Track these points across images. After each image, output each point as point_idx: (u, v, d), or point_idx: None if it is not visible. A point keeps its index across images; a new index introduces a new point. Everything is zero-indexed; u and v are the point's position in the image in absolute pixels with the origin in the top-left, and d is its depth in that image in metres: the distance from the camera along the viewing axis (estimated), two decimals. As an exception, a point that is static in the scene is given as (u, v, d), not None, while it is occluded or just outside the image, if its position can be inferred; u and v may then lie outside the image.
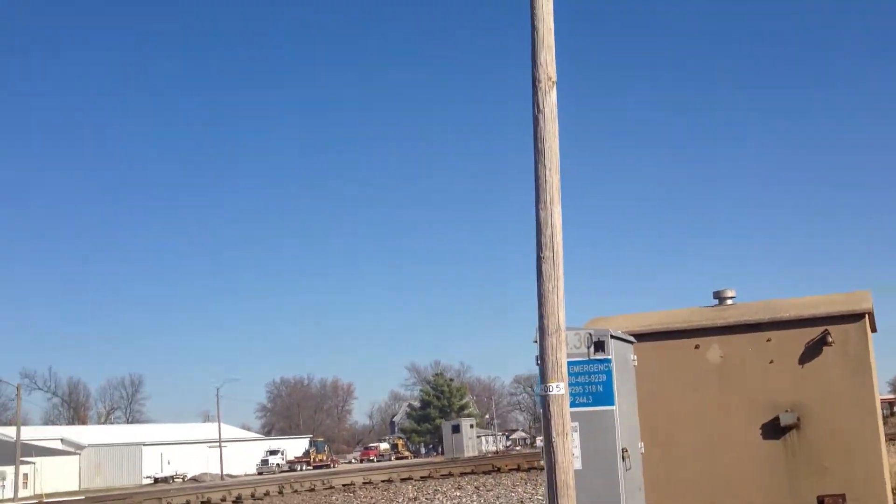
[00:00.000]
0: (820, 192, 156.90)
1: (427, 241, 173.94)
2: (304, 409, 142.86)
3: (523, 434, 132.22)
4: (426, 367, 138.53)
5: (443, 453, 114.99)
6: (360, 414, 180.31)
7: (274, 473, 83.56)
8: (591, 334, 7.60)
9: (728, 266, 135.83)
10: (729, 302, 11.97)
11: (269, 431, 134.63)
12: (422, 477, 21.24)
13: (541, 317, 7.07)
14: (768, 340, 10.71)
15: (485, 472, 21.77)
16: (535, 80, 7.27)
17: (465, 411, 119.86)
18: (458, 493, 18.26)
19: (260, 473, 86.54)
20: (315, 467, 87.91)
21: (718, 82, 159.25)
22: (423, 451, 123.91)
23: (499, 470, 22.02)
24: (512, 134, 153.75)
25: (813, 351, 10.47)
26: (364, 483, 20.45)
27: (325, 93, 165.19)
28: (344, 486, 19.99)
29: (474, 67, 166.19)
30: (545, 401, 6.97)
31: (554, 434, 6.88)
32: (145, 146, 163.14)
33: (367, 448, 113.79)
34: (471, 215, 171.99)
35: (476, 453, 62.99)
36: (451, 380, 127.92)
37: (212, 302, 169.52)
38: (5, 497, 65.67)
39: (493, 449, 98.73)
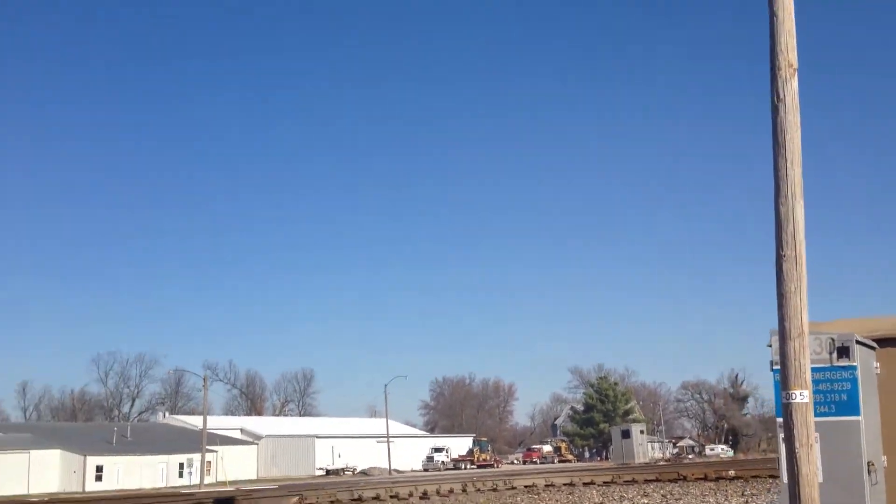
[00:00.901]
0: None
1: (587, 245, 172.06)
2: (466, 408, 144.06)
3: (691, 442, 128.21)
4: (589, 370, 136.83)
5: (607, 458, 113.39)
6: (521, 415, 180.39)
7: (439, 470, 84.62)
8: (833, 339, 7.06)
9: None
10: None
11: (432, 429, 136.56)
12: (605, 482, 20.80)
13: (781, 319, 6.63)
14: None
15: (670, 480, 21.05)
16: (774, 68, 6.83)
17: (630, 416, 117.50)
18: (646, 501, 17.72)
19: (426, 470, 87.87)
20: (479, 466, 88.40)
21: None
22: (586, 454, 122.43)
23: (685, 478, 21.25)
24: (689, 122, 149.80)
25: None
26: (546, 485, 20.23)
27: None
28: (526, 487, 19.85)
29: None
30: (787, 409, 6.54)
31: (797, 445, 6.43)
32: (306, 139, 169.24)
33: (530, 449, 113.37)
34: (624, 219, 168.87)
35: (646, 460, 61.54)
36: (616, 384, 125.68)
37: (378, 298, 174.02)
38: (192, 483, 69.65)
39: (660, 456, 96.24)
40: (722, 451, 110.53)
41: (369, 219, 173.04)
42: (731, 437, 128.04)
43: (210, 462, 73.18)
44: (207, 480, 67.13)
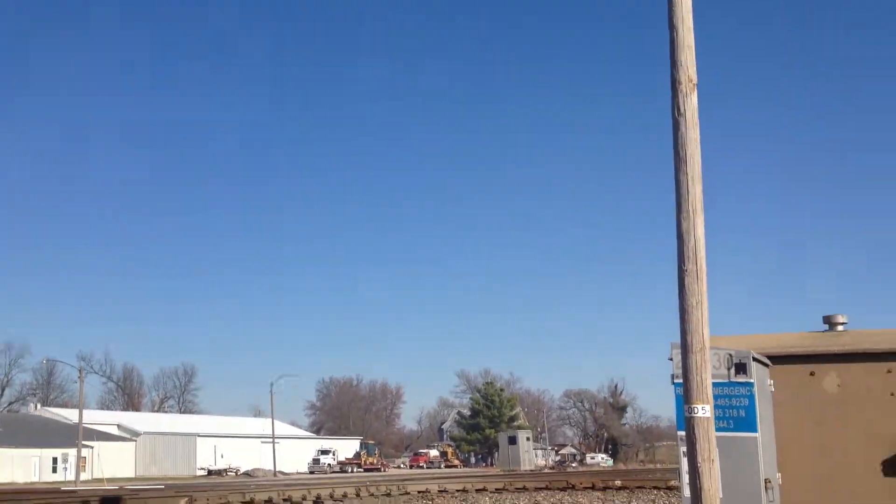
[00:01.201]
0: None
1: (475, 250, 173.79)
2: (353, 410, 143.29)
3: (573, 450, 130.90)
4: (476, 375, 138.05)
5: (492, 464, 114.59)
6: (408, 418, 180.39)
7: (325, 473, 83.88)
8: (731, 355, 7.28)
9: (825, 291, 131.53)
10: (840, 328, 11.50)
11: (318, 430, 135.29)
12: (496, 489, 20.99)
13: (683, 333, 6.78)
14: (888, 371, 10.24)
15: (559, 489, 21.41)
16: (675, 83, 6.94)
17: (515, 423, 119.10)
18: (536, 509, 17.93)
19: (311, 472, 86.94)
20: (366, 470, 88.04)
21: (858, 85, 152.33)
22: (472, 460, 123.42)
23: (573, 487, 21.64)
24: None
25: (939, 385, 9.97)
26: (439, 491, 20.28)
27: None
28: (419, 492, 19.85)
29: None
30: (689, 423, 6.68)
31: (699, 459, 6.55)
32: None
33: (416, 454, 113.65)
34: (519, 225, 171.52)
35: (531, 467, 62.43)
36: (502, 389, 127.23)
37: (266, 296, 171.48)
38: (66, 478, 67.00)
39: (544, 463, 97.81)
40: (602, 459, 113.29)
41: (253, 215, 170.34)
42: (610, 446, 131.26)
43: (85, 458, 70.58)
44: (83, 477, 64.72)
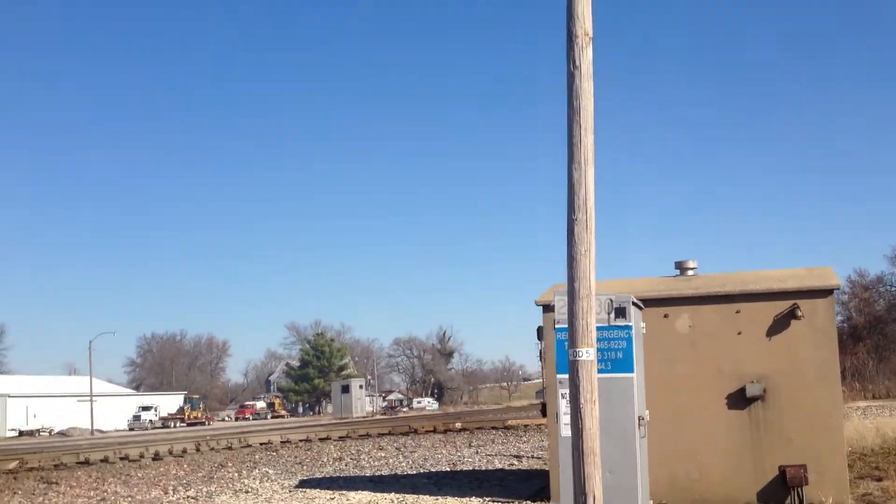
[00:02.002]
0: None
1: (305, 199, 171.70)
2: (176, 366, 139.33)
3: (400, 396, 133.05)
4: (307, 326, 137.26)
5: (320, 413, 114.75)
6: (234, 372, 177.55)
7: (146, 430, 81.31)
8: (611, 300, 7.46)
9: (673, 237, 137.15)
10: (690, 273, 12.11)
11: (137, 387, 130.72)
12: (340, 437, 20.95)
13: (571, 280, 6.87)
14: (737, 312, 10.88)
15: (402, 434, 21.61)
16: (571, 35, 6.99)
17: (344, 372, 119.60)
18: (383, 455, 18.07)
19: (132, 429, 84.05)
20: (189, 424, 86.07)
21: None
22: (300, 410, 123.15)
23: (416, 431, 21.91)
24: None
25: (781, 324, 10.69)
26: (283, 442, 20.00)
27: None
28: (262, 444, 19.48)
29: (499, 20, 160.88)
30: (573, 366, 6.80)
31: (582, 400, 6.72)
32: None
33: (242, 406, 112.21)
34: (352, 168, 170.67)
35: (364, 414, 62.97)
36: (332, 340, 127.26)
37: (82, 250, 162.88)
38: None
39: (371, 410, 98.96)
40: (428, 403, 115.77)
41: (70, 155, 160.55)
42: (436, 391, 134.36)
43: None
44: None
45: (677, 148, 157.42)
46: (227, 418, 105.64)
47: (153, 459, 16.73)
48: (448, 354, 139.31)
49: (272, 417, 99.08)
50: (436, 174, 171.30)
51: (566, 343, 7.62)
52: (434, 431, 22.39)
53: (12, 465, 14.40)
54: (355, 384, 65.18)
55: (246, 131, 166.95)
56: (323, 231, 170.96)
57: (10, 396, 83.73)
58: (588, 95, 7.00)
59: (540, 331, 43.83)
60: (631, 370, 7.46)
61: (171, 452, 17.80)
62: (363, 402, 66.27)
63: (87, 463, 15.79)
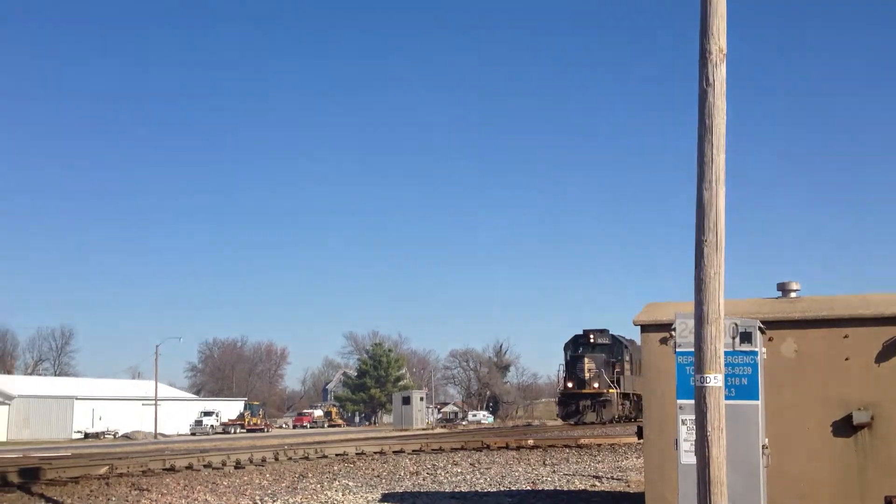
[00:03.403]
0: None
1: (366, 212, 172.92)
2: (236, 372, 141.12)
3: (455, 408, 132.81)
4: (364, 336, 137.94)
5: (375, 423, 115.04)
6: (292, 379, 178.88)
7: (208, 435, 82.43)
8: (736, 324, 7.27)
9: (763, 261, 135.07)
10: (793, 295, 11.78)
11: (198, 391, 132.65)
12: (414, 450, 20.93)
13: (699, 304, 6.72)
14: (845, 337, 10.53)
15: (475, 449, 21.51)
16: (704, 52, 6.87)
17: (401, 383, 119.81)
18: (459, 470, 17.96)
19: (193, 434, 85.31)
20: (249, 431, 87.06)
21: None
22: (356, 419, 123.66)
23: (488, 447, 21.78)
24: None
25: (891, 350, 10.33)
26: (357, 454, 20.05)
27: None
28: (337, 455, 19.56)
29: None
30: (700, 392, 6.65)
31: (709, 428, 6.56)
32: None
33: (300, 414, 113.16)
34: (418, 185, 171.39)
35: (424, 426, 63.01)
36: (390, 350, 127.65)
37: (148, 256, 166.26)
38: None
39: (429, 422, 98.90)
40: (483, 416, 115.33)
41: (138, 168, 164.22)
42: (491, 404, 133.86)
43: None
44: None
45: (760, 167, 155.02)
46: (284, 425, 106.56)
47: (235, 468, 16.86)
48: (504, 367, 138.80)
49: (329, 426, 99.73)
50: (493, 189, 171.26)
51: (688, 367, 7.49)
52: (507, 448, 22.23)
53: (102, 470, 14.62)
54: (416, 396, 65.28)
55: (300, 147, 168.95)
56: (382, 243, 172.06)
57: (76, 399, 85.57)
58: (721, 113, 6.84)
59: (567, 347, 46.19)
60: (756, 397, 7.26)
61: (251, 461, 17.93)
62: (423, 414, 66.30)
63: (173, 470, 15.98)
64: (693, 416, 6.98)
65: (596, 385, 47.31)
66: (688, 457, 7.24)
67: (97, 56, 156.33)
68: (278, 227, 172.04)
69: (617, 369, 48.75)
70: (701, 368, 6.63)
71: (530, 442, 23.04)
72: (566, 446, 23.35)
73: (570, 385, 48.19)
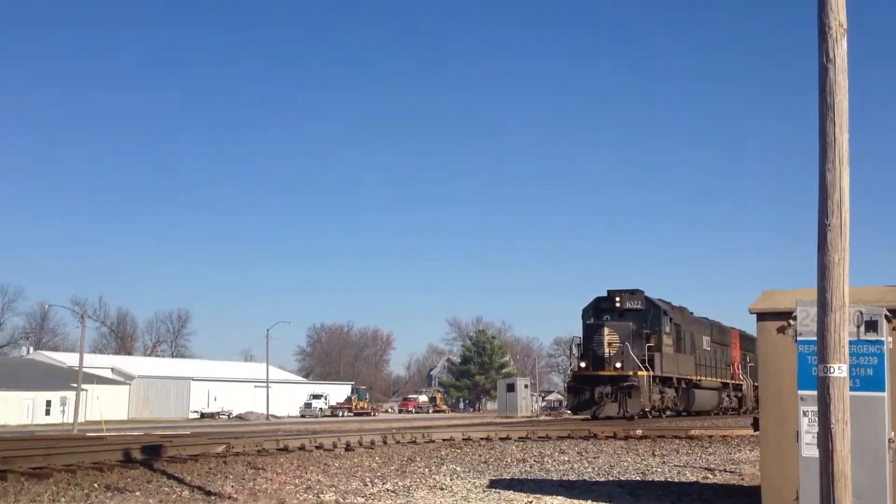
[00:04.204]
0: None
1: (470, 198, 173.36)
2: (343, 356, 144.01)
3: (559, 396, 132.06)
4: (468, 323, 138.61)
5: (479, 409, 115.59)
6: (396, 364, 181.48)
7: (316, 417, 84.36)
8: (861, 312, 6.97)
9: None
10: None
11: (307, 375, 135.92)
12: (520, 437, 20.92)
13: (822, 290, 6.46)
14: None
15: (582, 438, 21.34)
16: (823, 27, 6.56)
17: (505, 370, 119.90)
18: (566, 458, 17.86)
19: (303, 416, 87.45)
20: (356, 414, 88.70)
21: None
22: (461, 405, 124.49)
23: (595, 436, 21.58)
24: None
25: None
26: (464, 439, 20.18)
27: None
28: (444, 440, 19.74)
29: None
30: (823, 383, 6.40)
31: (833, 420, 6.30)
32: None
33: (406, 399, 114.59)
34: (523, 174, 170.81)
35: (529, 413, 62.95)
36: (494, 337, 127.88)
37: (257, 242, 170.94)
38: (64, 421, 66.92)
39: (534, 409, 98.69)
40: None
41: (253, 157, 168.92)
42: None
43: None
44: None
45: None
46: (390, 410, 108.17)
47: (345, 450, 17.20)
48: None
49: (433, 412, 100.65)
50: (600, 172, 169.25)
51: (809, 357, 7.22)
52: (614, 437, 21.96)
53: (220, 449, 15.13)
54: (520, 384, 65.16)
55: (420, 140, 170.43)
56: (486, 229, 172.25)
57: (193, 380, 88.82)
58: (843, 91, 6.55)
59: (585, 313, 35.86)
60: (882, 388, 6.94)
61: (360, 444, 18.26)
62: (528, 402, 66.21)
63: (286, 450, 16.41)
64: (815, 408, 6.73)
65: (619, 365, 34.16)
66: (810, 450, 6.99)
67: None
68: (384, 215, 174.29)
69: (651, 343, 35.37)
70: (824, 358, 6.38)
71: (638, 432, 22.69)
72: (676, 437, 22.91)
73: (583, 365, 35.18)
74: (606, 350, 34.46)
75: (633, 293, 36.45)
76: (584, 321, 36.56)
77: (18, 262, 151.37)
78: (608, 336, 34.70)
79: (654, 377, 34.85)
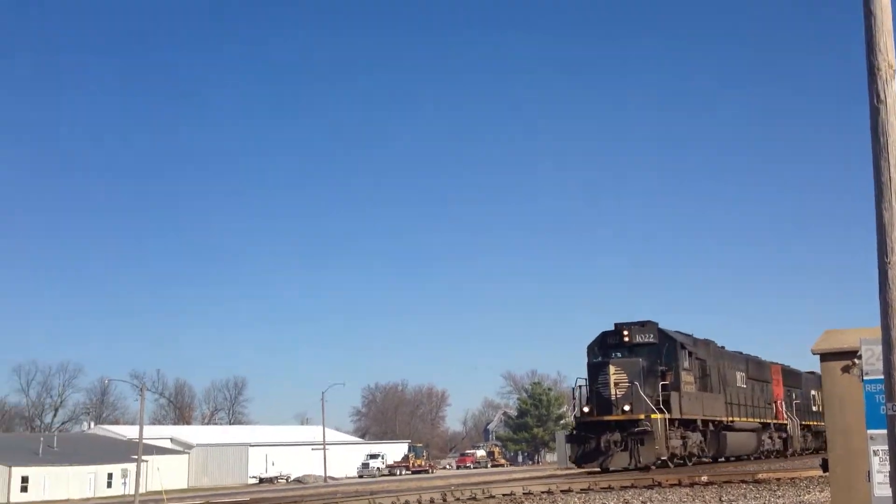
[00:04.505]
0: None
1: (517, 253, 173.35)
2: (398, 414, 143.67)
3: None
4: (523, 375, 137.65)
5: (538, 462, 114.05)
6: (453, 420, 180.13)
7: (374, 477, 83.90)
8: (925, 349, 6.84)
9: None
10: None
11: (363, 435, 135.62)
12: (582, 489, 20.64)
13: (886, 328, 6.39)
14: None
15: (646, 487, 20.99)
16: (872, 68, 6.61)
17: (563, 421, 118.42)
18: (631, 510, 17.57)
19: (361, 476, 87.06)
20: (414, 472, 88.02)
21: None
22: (519, 459, 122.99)
23: (659, 484, 21.21)
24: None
25: None
26: (524, 493, 19.99)
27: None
28: (504, 495, 19.56)
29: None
30: (893, 422, 6.32)
31: (903, 459, 6.22)
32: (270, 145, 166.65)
33: (463, 454, 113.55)
34: (555, 226, 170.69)
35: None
36: (550, 389, 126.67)
37: (307, 307, 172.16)
38: (125, 493, 67.52)
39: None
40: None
41: (299, 223, 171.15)
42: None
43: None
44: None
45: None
46: (447, 466, 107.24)
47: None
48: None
49: (492, 466, 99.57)
50: (646, 219, 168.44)
51: (877, 396, 7.12)
52: (679, 485, 21.57)
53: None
54: (579, 434, 64.25)
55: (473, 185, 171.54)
56: (537, 283, 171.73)
57: (250, 445, 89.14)
58: (895, 130, 6.60)
59: (591, 350, 30.99)
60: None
61: (419, 502, 18.19)
62: (588, 452, 65.22)
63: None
64: (886, 447, 6.63)
65: (627, 408, 29.58)
66: (882, 489, 6.87)
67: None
68: (436, 269, 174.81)
69: (667, 382, 30.80)
70: (892, 396, 6.30)
71: (704, 478, 22.27)
72: (742, 481, 22.45)
73: (586, 410, 30.71)
74: (613, 391, 30.08)
75: (644, 325, 32.17)
76: (590, 360, 32.31)
77: (77, 338, 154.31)
78: (614, 375, 30.26)
79: (671, 420, 30.59)
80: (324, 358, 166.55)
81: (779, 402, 44.13)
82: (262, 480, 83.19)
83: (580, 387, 32.02)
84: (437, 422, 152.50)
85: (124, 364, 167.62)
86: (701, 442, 33.20)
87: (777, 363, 45.81)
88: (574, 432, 31.19)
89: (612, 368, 30.30)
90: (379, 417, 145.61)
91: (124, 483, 72.67)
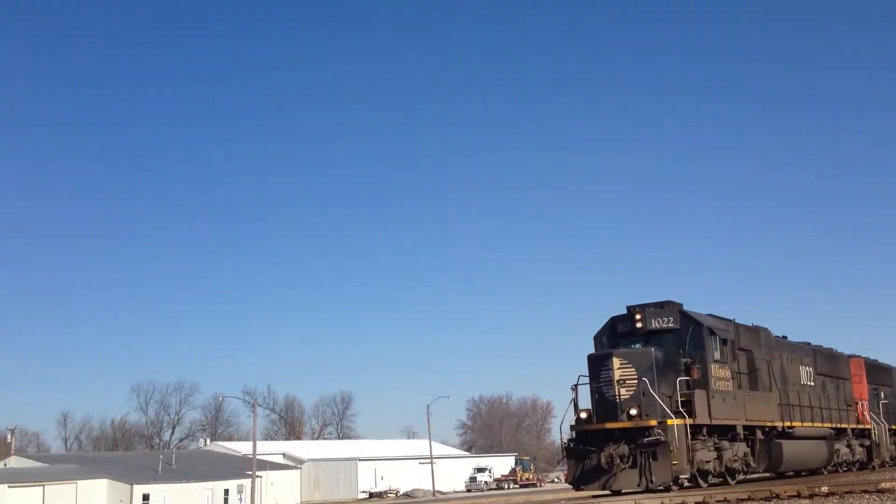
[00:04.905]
0: None
1: (617, 260, 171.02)
2: (504, 427, 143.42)
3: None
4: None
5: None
6: (559, 432, 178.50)
7: (482, 491, 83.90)
8: None
9: None
10: None
11: (469, 448, 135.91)
12: (696, 503, 20.23)
13: None
14: None
15: (763, 499, 20.40)
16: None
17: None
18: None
19: (468, 490, 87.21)
20: (522, 486, 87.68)
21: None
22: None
23: (777, 496, 20.58)
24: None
25: None
26: (640, 508, 19.71)
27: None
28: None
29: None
30: None
31: None
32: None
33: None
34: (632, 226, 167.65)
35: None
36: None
37: (412, 318, 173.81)
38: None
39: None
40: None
41: (401, 235, 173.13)
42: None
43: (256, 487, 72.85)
44: (255, 506, 66.80)
45: None
46: (556, 479, 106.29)
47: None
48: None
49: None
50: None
51: None
52: (798, 496, 20.88)
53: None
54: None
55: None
56: (623, 293, 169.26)
57: (360, 460, 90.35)
58: None
59: (597, 339, 25.15)
60: None
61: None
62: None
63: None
64: None
65: (634, 412, 22.52)
66: None
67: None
68: (531, 276, 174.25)
69: (691, 377, 23.56)
70: None
71: (824, 489, 21.48)
72: (865, 491, 21.58)
73: (583, 416, 23.56)
74: (616, 390, 22.88)
75: (663, 307, 24.99)
76: (596, 348, 25.34)
77: (193, 358, 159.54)
78: (619, 370, 22.94)
79: (697, 427, 23.36)
80: (429, 371, 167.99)
81: (861, 402, 36.88)
82: (371, 495, 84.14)
83: (577, 385, 24.18)
84: (543, 434, 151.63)
85: (236, 381, 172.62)
86: (746, 454, 26.17)
87: (859, 356, 38.46)
88: (571, 445, 23.86)
89: (616, 361, 23.11)
90: (484, 430, 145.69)
91: (240, 498, 74.69)
